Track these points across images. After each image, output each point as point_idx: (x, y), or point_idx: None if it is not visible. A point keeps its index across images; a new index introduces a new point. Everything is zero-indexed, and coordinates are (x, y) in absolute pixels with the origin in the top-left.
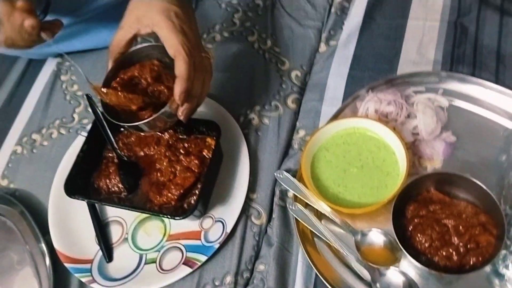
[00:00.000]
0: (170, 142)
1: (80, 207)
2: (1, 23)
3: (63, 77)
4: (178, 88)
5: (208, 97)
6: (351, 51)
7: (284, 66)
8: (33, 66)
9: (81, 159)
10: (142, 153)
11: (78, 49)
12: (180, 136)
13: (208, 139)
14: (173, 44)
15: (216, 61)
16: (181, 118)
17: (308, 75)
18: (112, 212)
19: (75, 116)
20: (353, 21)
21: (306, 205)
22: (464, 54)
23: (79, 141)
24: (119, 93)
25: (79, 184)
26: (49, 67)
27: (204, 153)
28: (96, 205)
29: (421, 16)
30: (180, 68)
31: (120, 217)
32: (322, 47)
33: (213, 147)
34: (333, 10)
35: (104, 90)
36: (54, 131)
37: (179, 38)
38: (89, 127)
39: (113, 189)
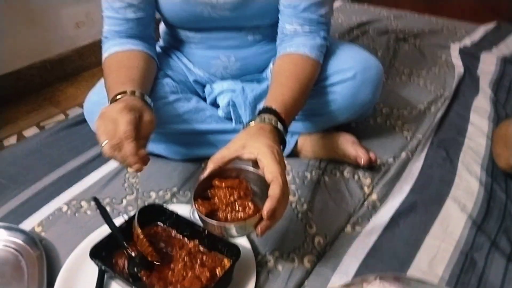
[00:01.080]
0: (192, 250)
1: (89, 278)
2: (121, 149)
3: (130, 169)
4: (269, 205)
5: None
6: (371, 241)
7: (311, 230)
8: None
9: (118, 233)
10: (164, 249)
11: (152, 152)
12: (202, 249)
13: (225, 260)
14: (273, 171)
15: None
16: (259, 232)
17: (329, 245)
18: None
19: (124, 201)
20: (380, 219)
21: None
22: (469, 282)
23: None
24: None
25: (104, 252)
26: None
27: (217, 271)
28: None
29: (439, 237)
30: (275, 190)
31: None
32: (348, 228)
33: (226, 267)
34: (366, 203)
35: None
36: None
37: (279, 168)
38: (132, 213)
39: (126, 270)
